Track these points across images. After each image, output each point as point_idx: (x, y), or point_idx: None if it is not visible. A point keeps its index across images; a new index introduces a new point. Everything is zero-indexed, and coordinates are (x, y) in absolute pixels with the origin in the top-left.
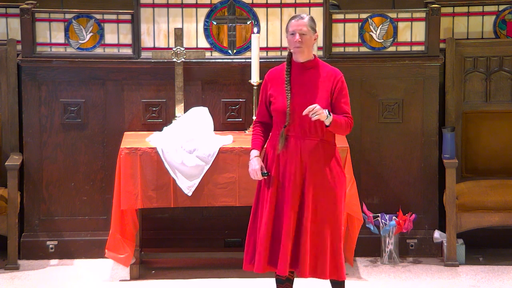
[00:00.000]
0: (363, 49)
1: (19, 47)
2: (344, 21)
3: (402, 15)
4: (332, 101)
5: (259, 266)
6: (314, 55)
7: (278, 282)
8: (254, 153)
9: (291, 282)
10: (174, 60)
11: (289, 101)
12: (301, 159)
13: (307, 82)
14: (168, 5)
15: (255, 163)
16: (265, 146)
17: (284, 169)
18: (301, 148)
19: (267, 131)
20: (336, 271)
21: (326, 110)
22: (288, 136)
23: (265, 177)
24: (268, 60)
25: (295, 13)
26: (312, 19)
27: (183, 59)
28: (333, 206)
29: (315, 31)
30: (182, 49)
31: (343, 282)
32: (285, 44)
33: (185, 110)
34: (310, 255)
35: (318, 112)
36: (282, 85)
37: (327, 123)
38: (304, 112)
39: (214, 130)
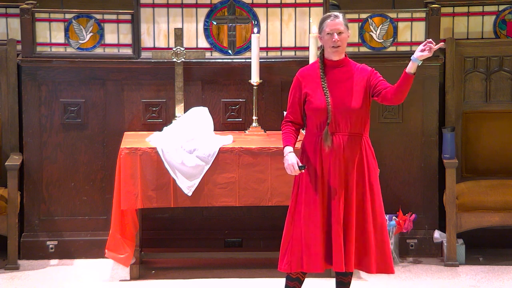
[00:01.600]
0: (363, 49)
1: (19, 47)
2: None
3: (402, 15)
4: (372, 87)
5: (317, 265)
6: (345, 53)
7: (288, 279)
8: (289, 149)
9: (300, 282)
10: (174, 60)
11: (328, 98)
12: (344, 156)
13: (341, 79)
14: (168, 5)
15: (291, 158)
16: (296, 145)
17: (328, 166)
18: (343, 144)
19: (297, 132)
20: (384, 265)
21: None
22: (332, 133)
23: (302, 171)
24: (268, 60)
25: (295, 13)
26: (345, 17)
27: (183, 59)
28: (374, 200)
29: (348, 28)
30: (182, 49)
31: (349, 283)
32: (285, 44)
33: (185, 110)
34: (356, 251)
35: (432, 48)
36: (317, 84)
37: (413, 69)
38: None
39: (214, 130)
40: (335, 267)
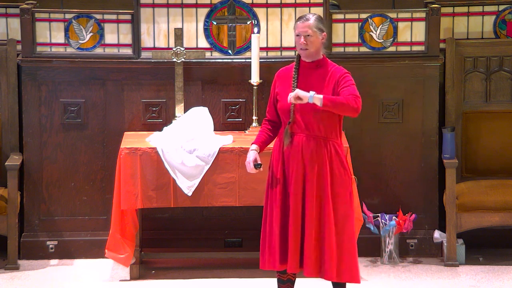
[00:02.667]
0: (363, 49)
1: (19, 47)
2: (344, 21)
3: (402, 15)
4: (336, 93)
5: (272, 263)
6: (323, 55)
7: (279, 282)
8: (253, 146)
9: (292, 282)
10: (174, 60)
11: None
12: (302, 157)
13: (313, 81)
14: (168, 5)
15: (249, 156)
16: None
17: (288, 167)
18: (302, 146)
19: (274, 130)
20: (347, 273)
21: (311, 92)
22: (293, 133)
23: (259, 169)
24: (268, 60)
25: (295, 13)
26: (318, 19)
27: (183, 59)
28: (335, 206)
29: (322, 31)
30: (182, 49)
31: (345, 284)
32: (285, 44)
33: (185, 110)
34: (316, 256)
35: (295, 96)
36: (289, 84)
37: (318, 103)
38: (288, 101)
39: (214, 130)
40: (289, 269)
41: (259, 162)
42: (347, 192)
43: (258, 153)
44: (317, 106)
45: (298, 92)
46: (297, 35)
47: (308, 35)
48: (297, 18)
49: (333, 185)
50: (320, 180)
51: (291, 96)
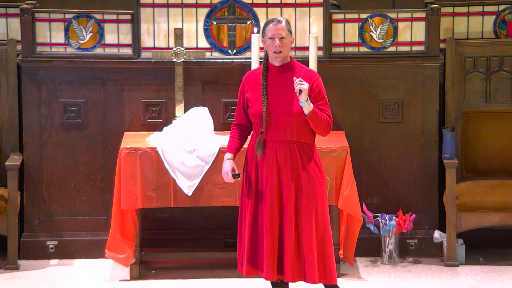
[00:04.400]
0: (363, 49)
1: (19, 47)
2: (344, 21)
3: (402, 15)
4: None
5: (244, 269)
6: (290, 57)
7: (273, 285)
8: (227, 155)
9: (286, 284)
10: (174, 60)
11: (265, 107)
12: (277, 163)
13: (283, 85)
14: (168, 5)
15: (226, 165)
16: (242, 148)
17: (261, 174)
18: (276, 152)
19: (244, 134)
20: (326, 275)
21: (306, 87)
22: (265, 141)
23: (238, 179)
24: None
25: (295, 13)
26: (288, 22)
27: (183, 59)
28: (314, 209)
29: (291, 34)
30: (182, 49)
31: (336, 285)
32: None
33: (185, 110)
34: (295, 260)
35: (302, 82)
36: (258, 89)
37: (306, 111)
38: (295, 86)
39: (214, 130)
40: (266, 276)
41: (237, 172)
42: (324, 193)
43: (233, 160)
44: (291, 112)
45: (304, 88)
46: (270, 38)
47: (282, 38)
48: (265, 22)
49: (309, 187)
50: (296, 184)
51: (300, 85)
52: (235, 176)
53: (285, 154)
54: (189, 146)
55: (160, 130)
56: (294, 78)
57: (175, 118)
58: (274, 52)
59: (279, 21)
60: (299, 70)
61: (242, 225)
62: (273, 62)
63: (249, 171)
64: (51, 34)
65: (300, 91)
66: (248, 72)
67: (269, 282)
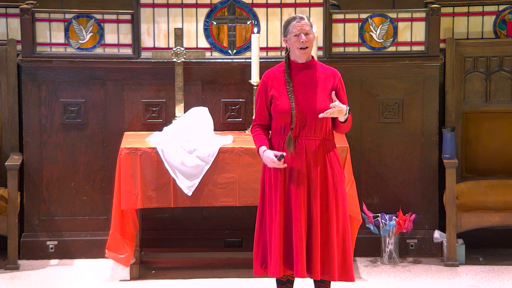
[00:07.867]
0: (363, 49)
1: (19, 47)
2: (344, 21)
3: (402, 15)
4: (339, 98)
5: (275, 270)
6: (312, 55)
7: (279, 283)
8: (262, 148)
9: (291, 282)
10: (174, 60)
11: (293, 102)
12: (306, 159)
13: (307, 82)
14: (168, 5)
15: (267, 154)
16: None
17: (290, 170)
18: (306, 148)
19: (266, 133)
20: (345, 273)
21: (345, 106)
22: (295, 138)
23: (283, 159)
24: (268, 60)
25: (295, 13)
26: (309, 19)
27: (183, 59)
28: (337, 207)
29: (313, 30)
30: (182, 49)
31: (330, 282)
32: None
33: (185, 110)
34: (322, 258)
35: (339, 106)
36: (282, 87)
37: (342, 119)
38: (329, 112)
39: (214, 130)
40: (297, 274)
41: (279, 154)
42: (344, 191)
43: None
44: (320, 109)
45: (340, 105)
46: (296, 35)
47: (307, 33)
48: (287, 19)
49: (335, 184)
50: (322, 180)
51: (336, 108)
52: (280, 158)
53: (313, 151)
54: (189, 146)
55: (160, 130)
56: (331, 104)
57: (175, 118)
58: (301, 48)
59: (302, 18)
60: (320, 68)
61: (268, 226)
62: (297, 60)
63: (273, 171)
64: (51, 34)
65: (339, 112)
66: (266, 71)
67: (269, 282)
